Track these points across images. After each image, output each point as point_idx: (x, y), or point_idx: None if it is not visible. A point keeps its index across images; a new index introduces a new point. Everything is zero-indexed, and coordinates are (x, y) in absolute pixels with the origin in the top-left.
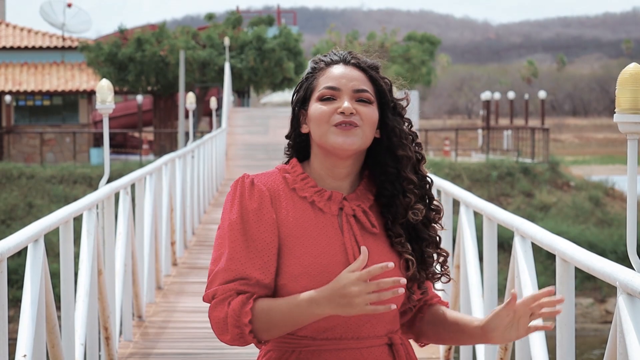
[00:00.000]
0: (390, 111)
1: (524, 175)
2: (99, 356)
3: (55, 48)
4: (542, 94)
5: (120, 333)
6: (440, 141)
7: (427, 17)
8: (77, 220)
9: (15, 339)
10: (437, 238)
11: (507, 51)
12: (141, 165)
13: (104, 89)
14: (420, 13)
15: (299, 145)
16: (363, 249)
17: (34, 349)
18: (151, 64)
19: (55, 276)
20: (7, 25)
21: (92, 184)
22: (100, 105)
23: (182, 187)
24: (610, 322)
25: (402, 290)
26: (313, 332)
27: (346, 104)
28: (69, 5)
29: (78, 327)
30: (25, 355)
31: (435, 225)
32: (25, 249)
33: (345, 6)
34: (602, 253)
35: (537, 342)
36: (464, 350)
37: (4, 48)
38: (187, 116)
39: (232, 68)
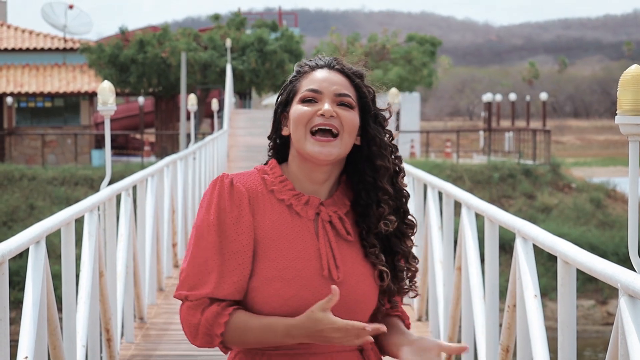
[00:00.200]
0: (372, 119)
1: (526, 177)
2: (101, 358)
3: (57, 50)
4: (543, 96)
5: (122, 335)
6: (442, 143)
7: (428, 19)
8: (79, 222)
9: (17, 341)
10: (410, 252)
11: (509, 53)
12: (143, 167)
13: (106, 90)
14: (422, 15)
15: (280, 147)
16: (334, 288)
17: (35, 351)
18: (153, 66)
19: (56, 278)
20: (9, 26)
21: (93, 186)
22: (102, 106)
23: (184, 189)
24: (612, 324)
25: (370, 339)
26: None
27: (326, 106)
28: (70, 7)
29: (79, 328)
30: (26, 357)
31: (407, 239)
32: (27, 250)
33: (347, 8)
34: (603, 255)
35: (538, 343)
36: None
37: (5, 50)
38: (188, 118)
39: (234, 70)
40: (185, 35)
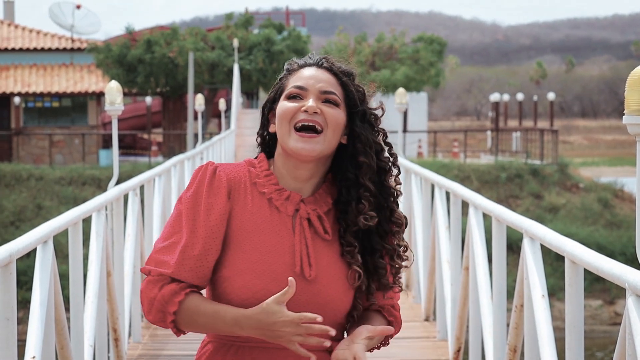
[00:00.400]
0: (359, 118)
1: (533, 177)
2: (108, 357)
3: (64, 49)
4: (551, 96)
5: (129, 334)
6: (449, 143)
7: (436, 19)
8: (86, 222)
9: (25, 341)
10: (393, 250)
11: (516, 53)
12: (150, 166)
13: (113, 90)
14: (429, 15)
15: (268, 144)
16: (290, 280)
17: (43, 351)
18: (160, 66)
19: (64, 278)
20: (16, 26)
21: (101, 186)
22: (110, 106)
23: None
24: (620, 324)
25: (328, 344)
26: None
27: (310, 102)
28: (78, 7)
29: (87, 328)
30: (34, 357)
31: (393, 237)
32: (35, 250)
33: (354, 8)
34: (611, 255)
35: (546, 343)
36: (473, 352)
37: (13, 49)
38: (196, 118)
39: (241, 69)
40: (192, 35)
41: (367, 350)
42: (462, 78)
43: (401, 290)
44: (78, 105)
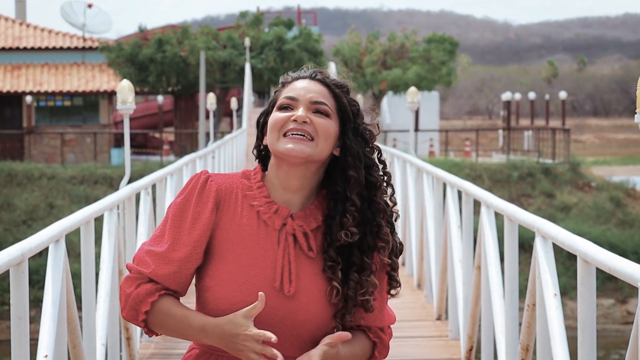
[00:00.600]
0: (352, 131)
1: (545, 176)
2: (120, 356)
3: (76, 49)
4: (562, 95)
5: (141, 333)
6: (461, 142)
7: (447, 18)
8: (98, 221)
9: (37, 340)
10: (374, 266)
11: (528, 52)
12: (162, 165)
13: (125, 89)
14: (441, 13)
15: (264, 156)
16: (260, 295)
17: (55, 350)
18: (172, 65)
19: (76, 276)
20: (28, 25)
21: (112, 185)
22: (121, 105)
23: None
24: (632, 323)
25: None
26: None
27: (300, 112)
28: (90, 6)
29: (99, 327)
30: (46, 356)
31: (376, 253)
32: (47, 249)
33: (366, 7)
34: (623, 254)
35: (558, 342)
36: (485, 351)
37: (24, 49)
38: (207, 117)
39: (253, 68)
40: (204, 34)
41: None
42: (473, 77)
43: (372, 311)
44: (90, 104)
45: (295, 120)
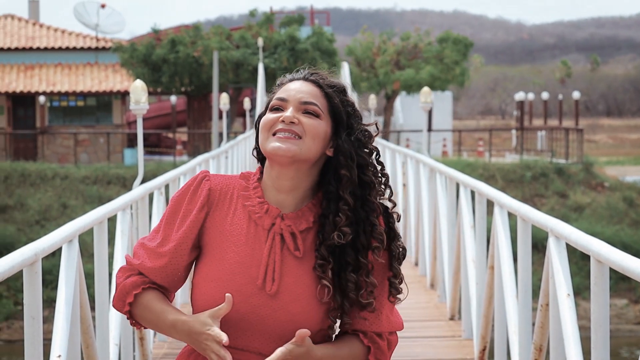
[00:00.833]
0: (344, 131)
1: (558, 176)
2: (134, 356)
3: (89, 49)
4: (576, 95)
5: (155, 333)
6: (474, 142)
7: (460, 18)
8: (111, 221)
9: (50, 340)
10: (370, 266)
11: (541, 52)
12: (175, 165)
13: (138, 89)
14: (454, 13)
15: (262, 157)
16: (227, 296)
17: (68, 350)
18: (185, 65)
19: (89, 276)
20: (41, 26)
21: (126, 185)
22: (134, 105)
23: None
24: None
25: None
26: (231, 343)
27: (288, 112)
28: (103, 6)
29: (112, 327)
30: (59, 356)
31: (369, 253)
32: (60, 249)
33: (379, 7)
34: (636, 254)
35: (571, 343)
36: (498, 351)
37: (38, 49)
38: (220, 117)
39: (266, 68)
40: (217, 34)
41: None
42: (486, 77)
43: (374, 311)
44: (103, 105)
45: (283, 121)
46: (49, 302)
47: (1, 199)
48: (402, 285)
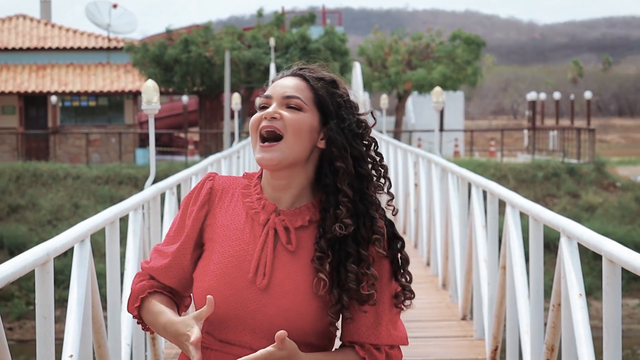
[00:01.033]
0: (334, 123)
1: (570, 176)
2: (145, 356)
3: (101, 49)
4: (587, 95)
5: None
6: (486, 142)
7: (472, 18)
8: (123, 221)
9: (62, 339)
10: (366, 257)
11: (553, 52)
12: (187, 165)
13: (150, 89)
14: (466, 13)
15: None
16: (209, 298)
17: (80, 349)
18: (197, 65)
19: (101, 276)
20: (53, 26)
21: (137, 185)
22: (146, 105)
23: None
24: None
25: None
26: (223, 337)
27: (270, 109)
28: (115, 6)
29: (124, 327)
30: (71, 356)
31: (370, 246)
32: (72, 249)
33: (390, 7)
34: None
35: (583, 343)
36: (510, 351)
37: (49, 49)
38: (232, 117)
39: (277, 68)
40: (229, 34)
41: None
42: (498, 77)
43: (374, 304)
44: (115, 105)
45: (266, 118)
46: (61, 302)
47: (13, 199)
48: (408, 296)
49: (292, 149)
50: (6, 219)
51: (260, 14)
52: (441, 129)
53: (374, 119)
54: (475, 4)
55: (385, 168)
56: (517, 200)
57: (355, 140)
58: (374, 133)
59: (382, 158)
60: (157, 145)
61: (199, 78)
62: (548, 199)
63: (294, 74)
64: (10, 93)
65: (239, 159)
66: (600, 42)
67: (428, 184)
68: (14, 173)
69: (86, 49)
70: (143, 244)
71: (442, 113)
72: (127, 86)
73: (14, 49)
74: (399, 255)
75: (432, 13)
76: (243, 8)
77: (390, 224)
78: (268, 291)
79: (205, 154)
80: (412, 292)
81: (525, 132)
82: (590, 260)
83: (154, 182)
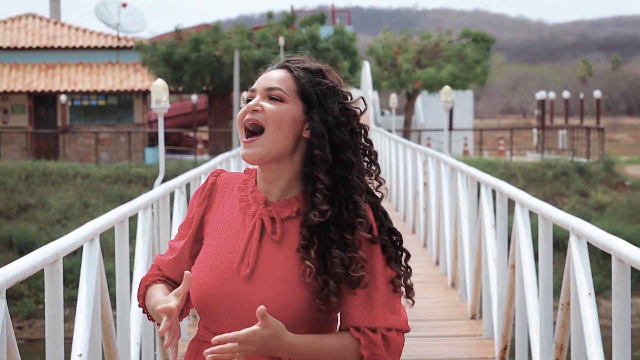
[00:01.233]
0: (317, 112)
1: (579, 175)
2: (154, 355)
3: (110, 48)
4: (597, 94)
5: None
6: (495, 141)
7: (481, 17)
8: (133, 220)
9: (71, 339)
10: (357, 242)
11: (562, 50)
12: (196, 164)
13: (159, 88)
14: (475, 12)
15: None
16: (186, 273)
17: (89, 348)
18: (206, 64)
19: (110, 275)
20: (62, 25)
21: (147, 184)
22: (156, 104)
23: None
24: None
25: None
26: (217, 329)
27: (253, 101)
28: (124, 5)
29: (133, 326)
30: (81, 355)
31: (354, 230)
32: (81, 248)
33: (400, 6)
34: None
35: (593, 342)
36: (519, 350)
37: (59, 48)
38: None
39: None
40: (238, 34)
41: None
42: (507, 76)
43: (366, 286)
44: (124, 104)
45: (249, 111)
46: (70, 301)
47: (22, 198)
48: (405, 280)
49: (274, 141)
50: (16, 218)
51: (270, 15)
52: (450, 128)
53: (365, 105)
54: (485, 3)
55: (375, 154)
56: (526, 199)
57: (338, 128)
58: (383, 132)
59: (371, 144)
60: (166, 144)
61: (209, 77)
62: (557, 198)
63: (279, 66)
64: (20, 92)
65: None
66: (610, 41)
67: (437, 183)
68: (23, 172)
69: (95, 48)
70: (152, 243)
71: (451, 112)
72: (137, 85)
73: (23, 48)
74: (391, 240)
75: (442, 12)
76: (252, 7)
77: (384, 214)
78: (252, 281)
79: (214, 153)
80: (408, 276)
81: (535, 131)
82: (600, 259)
83: (163, 181)
